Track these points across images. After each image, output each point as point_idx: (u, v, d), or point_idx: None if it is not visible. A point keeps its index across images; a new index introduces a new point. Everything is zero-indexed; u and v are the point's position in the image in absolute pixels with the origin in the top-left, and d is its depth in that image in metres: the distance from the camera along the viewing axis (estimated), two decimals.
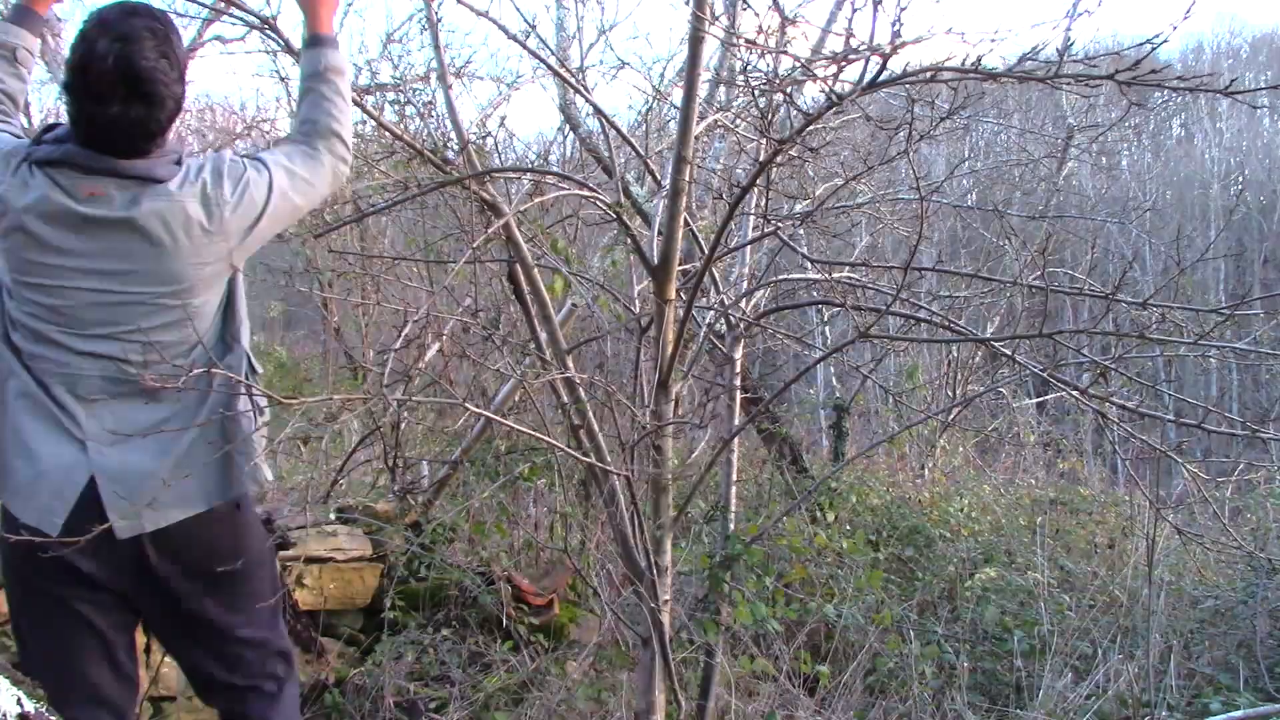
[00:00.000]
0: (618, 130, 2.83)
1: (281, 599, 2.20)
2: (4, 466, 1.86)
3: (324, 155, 2.02)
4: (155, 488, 1.83)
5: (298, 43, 2.19)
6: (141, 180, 1.80)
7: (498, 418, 2.13)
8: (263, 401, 2.05)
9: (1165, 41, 1.56)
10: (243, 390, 1.96)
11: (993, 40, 1.68)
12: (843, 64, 1.81)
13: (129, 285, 1.82)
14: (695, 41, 2.15)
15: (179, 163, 1.85)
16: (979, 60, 1.69)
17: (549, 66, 2.84)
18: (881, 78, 1.73)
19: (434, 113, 3.41)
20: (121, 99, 1.72)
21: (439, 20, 2.71)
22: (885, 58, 1.66)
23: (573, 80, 3.10)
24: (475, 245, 2.25)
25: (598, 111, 2.90)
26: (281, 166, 1.96)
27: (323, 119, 2.03)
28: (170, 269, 1.84)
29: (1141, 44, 1.58)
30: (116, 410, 1.85)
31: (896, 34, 1.61)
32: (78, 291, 1.81)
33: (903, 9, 1.59)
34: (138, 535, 1.87)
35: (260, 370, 2.14)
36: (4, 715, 1.90)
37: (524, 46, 2.67)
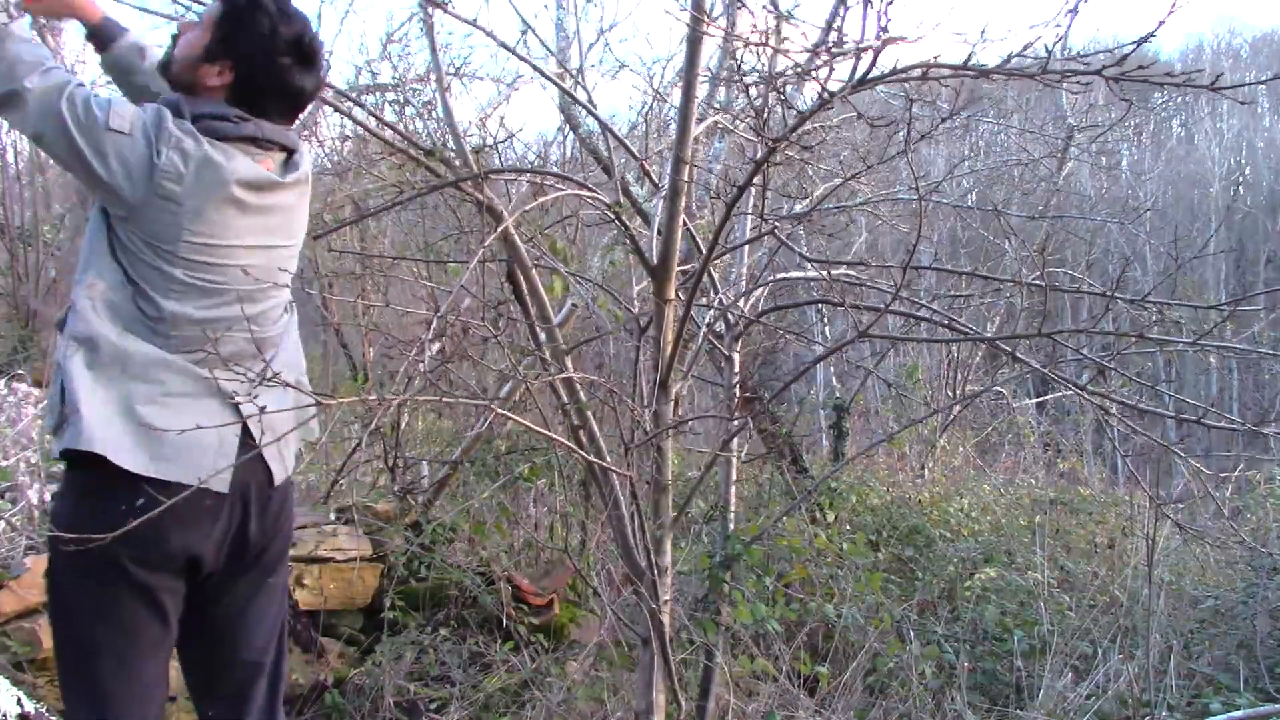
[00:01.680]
0: (615, 135, 2.83)
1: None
2: (146, 435, 1.72)
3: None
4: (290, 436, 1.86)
5: None
6: (286, 149, 1.88)
7: (501, 411, 2.12)
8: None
9: (1152, 37, 1.56)
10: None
11: (983, 38, 1.68)
12: (832, 62, 1.81)
13: (277, 248, 1.88)
14: (693, 42, 2.15)
15: None
16: (969, 57, 1.69)
17: (546, 75, 2.84)
18: (872, 75, 1.73)
19: (433, 113, 3.41)
20: (318, 69, 1.85)
21: (433, 20, 2.71)
22: (876, 53, 1.66)
23: (569, 86, 3.10)
24: (485, 244, 2.24)
25: (594, 116, 2.90)
26: None
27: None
28: (297, 232, 1.93)
29: (1133, 42, 1.58)
30: (254, 367, 1.75)
31: (883, 29, 1.61)
32: (250, 251, 1.82)
33: (889, 3, 1.59)
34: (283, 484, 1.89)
35: None
36: (4, 715, 1.90)
37: (514, 54, 2.67)
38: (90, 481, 1.72)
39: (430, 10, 2.65)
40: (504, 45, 2.57)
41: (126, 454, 1.69)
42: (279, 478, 1.88)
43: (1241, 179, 29.95)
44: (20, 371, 4.31)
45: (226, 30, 1.78)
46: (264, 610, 1.97)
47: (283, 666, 2.05)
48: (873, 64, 1.69)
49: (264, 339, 1.85)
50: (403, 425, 4.42)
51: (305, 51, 1.80)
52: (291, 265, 1.94)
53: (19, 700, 2.06)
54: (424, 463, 4.78)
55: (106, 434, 1.68)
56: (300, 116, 1.93)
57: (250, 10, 1.78)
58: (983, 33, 1.66)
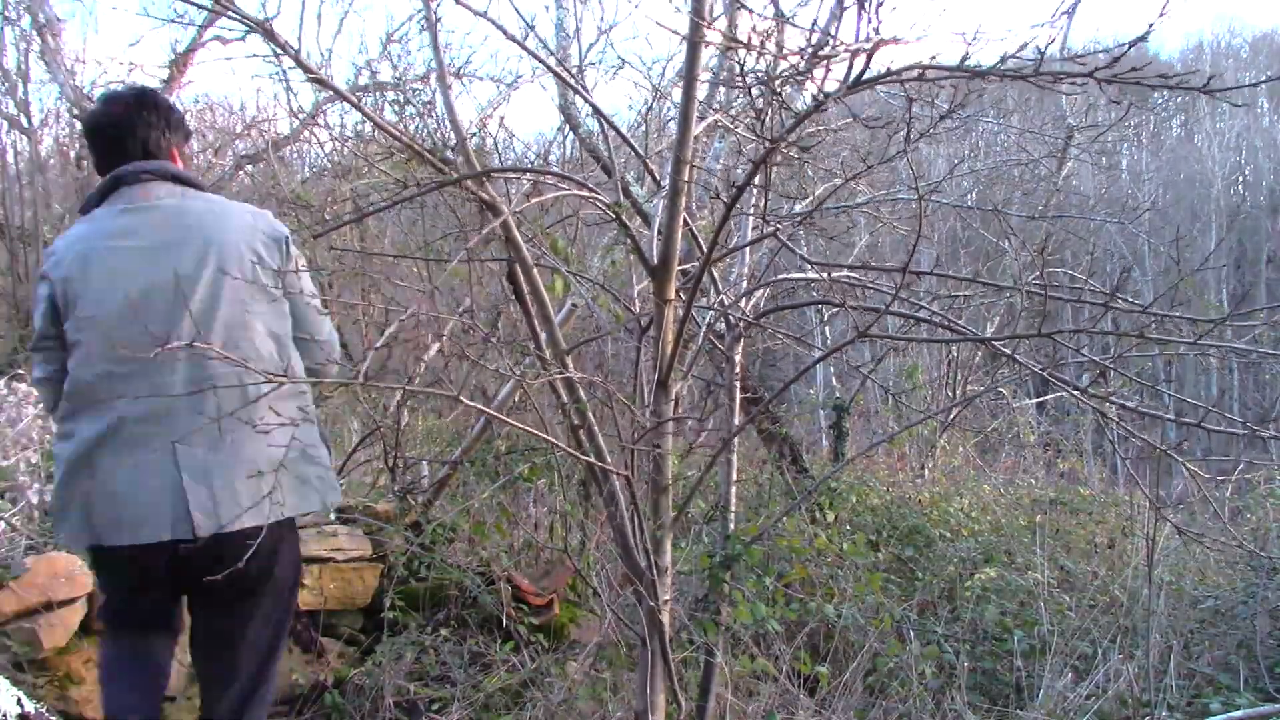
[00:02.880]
0: (617, 130, 2.83)
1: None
2: None
3: None
4: None
5: (295, 44, 2.20)
6: None
7: (500, 416, 2.13)
8: None
9: (1146, 39, 1.55)
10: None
11: (979, 38, 1.68)
12: (828, 64, 1.81)
13: None
14: (693, 44, 2.15)
15: None
16: (965, 58, 1.69)
17: (548, 67, 2.84)
18: (867, 76, 1.73)
19: (433, 113, 3.41)
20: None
21: (438, 20, 2.71)
22: (868, 56, 1.66)
23: (571, 80, 3.10)
24: (470, 245, 2.25)
25: (596, 111, 2.90)
26: None
27: None
28: None
29: (1128, 42, 1.58)
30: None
31: (875, 31, 1.61)
32: None
33: (879, 4, 1.59)
34: None
35: None
36: (4, 715, 1.90)
37: (523, 47, 2.67)
38: None
39: (433, 8, 2.65)
40: (512, 38, 2.57)
41: None
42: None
43: (1242, 179, 29.94)
44: (20, 371, 4.31)
45: None
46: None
47: (258, 684, 2.25)
48: (866, 65, 1.69)
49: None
50: (403, 425, 4.42)
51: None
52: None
53: (19, 700, 2.05)
54: (424, 463, 4.78)
55: None
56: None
57: None
58: (977, 33, 1.66)
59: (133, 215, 2.16)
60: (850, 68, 1.72)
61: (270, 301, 2.17)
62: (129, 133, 2.23)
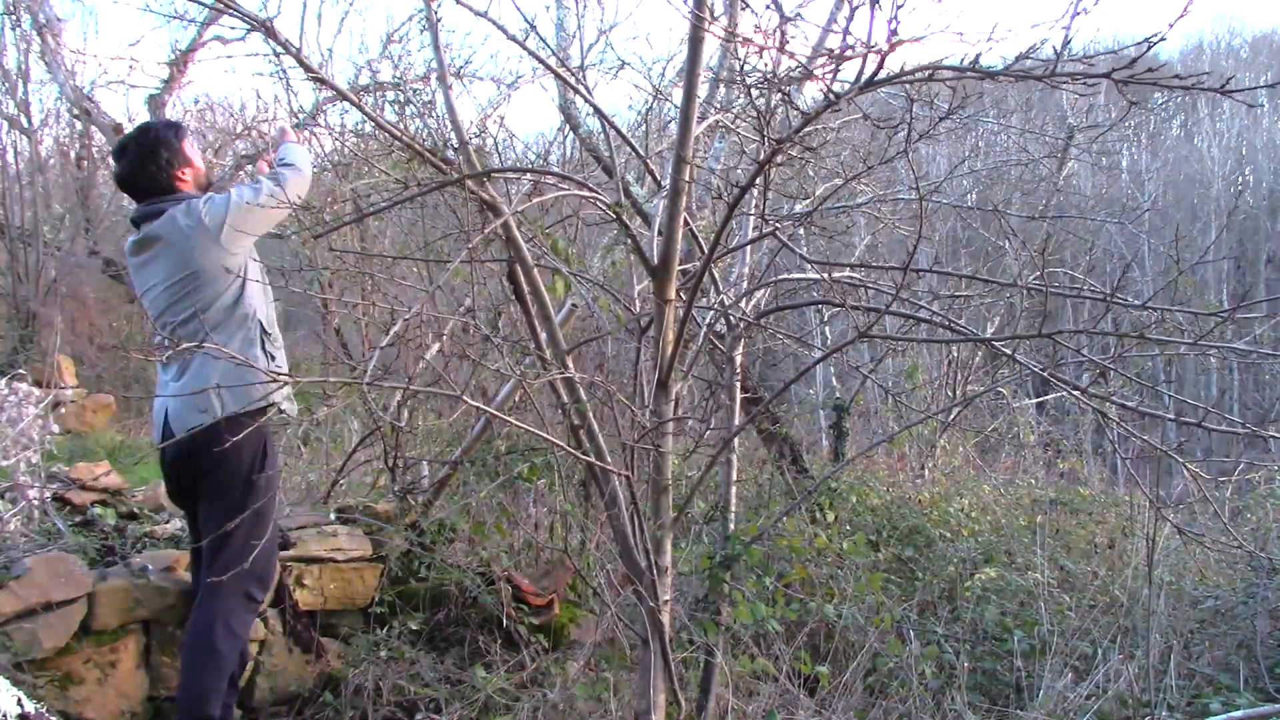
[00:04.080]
0: (617, 130, 2.83)
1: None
2: None
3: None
4: None
5: (296, 44, 2.21)
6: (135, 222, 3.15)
7: (501, 415, 2.14)
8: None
9: (1162, 40, 1.55)
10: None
11: (989, 40, 1.68)
12: (839, 63, 1.80)
13: (152, 288, 3.14)
14: (695, 41, 2.15)
15: None
16: (976, 59, 1.68)
17: (548, 67, 2.84)
18: (879, 77, 1.73)
19: (434, 113, 3.41)
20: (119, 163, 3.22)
21: (439, 20, 2.71)
22: (882, 56, 1.66)
23: (572, 80, 3.10)
24: (471, 245, 2.25)
25: (598, 112, 2.90)
26: None
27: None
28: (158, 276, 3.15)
29: (1139, 44, 1.58)
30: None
31: (893, 33, 1.61)
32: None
33: (899, 6, 1.59)
34: None
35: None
36: (4, 715, 1.90)
37: (523, 47, 2.67)
38: None
39: (434, 9, 2.65)
40: (512, 38, 2.57)
41: None
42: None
43: (1242, 179, 29.94)
44: (21, 371, 4.31)
45: None
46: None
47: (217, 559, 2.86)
48: (880, 66, 1.69)
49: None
50: (403, 425, 4.42)
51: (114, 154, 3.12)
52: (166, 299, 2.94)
53: (19, 700, 2.06)
54: (424, 463, 4.78)
55: None
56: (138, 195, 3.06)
57: None
58: (991, 36, 1.65)
59: None
60: (862, 68, 1.72)
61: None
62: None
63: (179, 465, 2.99)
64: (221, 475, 2.90)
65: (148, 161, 3.01)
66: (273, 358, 3.01)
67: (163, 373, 3.04)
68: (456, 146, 2.67)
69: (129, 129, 3.37)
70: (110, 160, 3.19)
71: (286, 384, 2.84)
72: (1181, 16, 1.52)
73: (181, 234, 2.91)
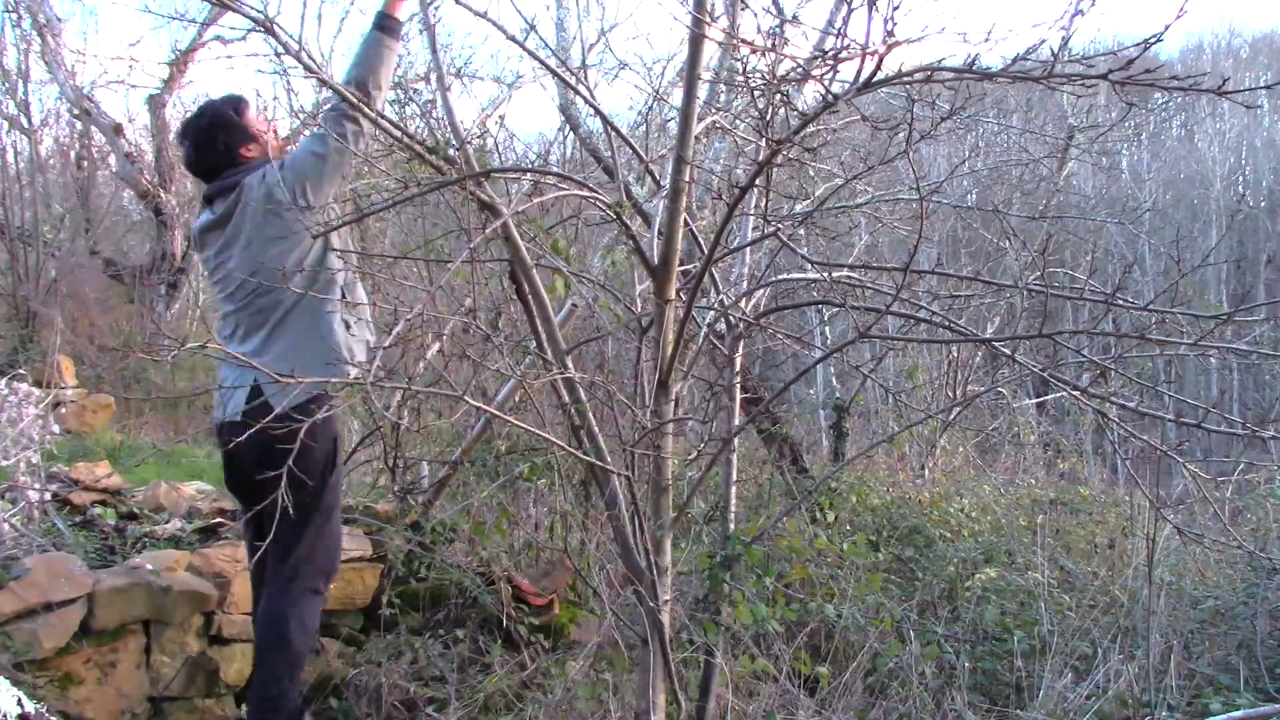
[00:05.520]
0: (617, 132, 2.83)
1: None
2: None
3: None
4: None
5: (295, 43, 2.20)
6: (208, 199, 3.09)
7: (502, 415, 2.14)
8: None
9: (1161, 41, 1.55)
10: None
11: (986, 40, 1.68)
12: (837, 64, 1.80)
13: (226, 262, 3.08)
14: (695, 42, 2.15)
15: None
16: (975, 59, 1.68)
17: (548, 67, 2.84)
18: (877, 78, 1.73)
19: (434, 113, 3.41)
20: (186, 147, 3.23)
21: (437, 22, 2.71)
22: (880, 57, 1.66)
23: (572, 81, 3.10)
24: (472, 245, 2.25)
25: (598, 112, 2.90)
26: None
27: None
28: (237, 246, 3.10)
29: (1138, 44, 1.58)
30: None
31: (889, 34, 1.61)
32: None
33: (895, 8, 1.59)
34: None
35: None
36: (4, 715, 1.90)
37: (523, 47, 2.68)
38: None
39: (431, 13, 2.65)
40: (512, 38, 2.57)
41: None
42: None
43: (1242, 179, 29.92)
44: (21, 371, 4.31)
45: None
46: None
47: (290, 556, 2.82)
48: (878, 67, 1.69)
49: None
50: (403, 425, 4.42)
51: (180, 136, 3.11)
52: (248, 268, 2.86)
53: (19, 700, 2.06)
54: (424, 463, 4.78)
55: None
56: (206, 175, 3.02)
57: None
58: (989, 36, 1.65)
59: None
60: (860, 69, 1.72)
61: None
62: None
63: (247, 450, 2.60)
64: (298, 468, 2.63)
65: (206, 150, 2.96)
66: (349, 327, 2.97)
67: (237, 346, 2.86)
68: (456, 147, 2.67)
69: (189, 115, 3.27)
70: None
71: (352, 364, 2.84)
72: (1179, 17, 1.52)
73: (261, 198, 2.82)
